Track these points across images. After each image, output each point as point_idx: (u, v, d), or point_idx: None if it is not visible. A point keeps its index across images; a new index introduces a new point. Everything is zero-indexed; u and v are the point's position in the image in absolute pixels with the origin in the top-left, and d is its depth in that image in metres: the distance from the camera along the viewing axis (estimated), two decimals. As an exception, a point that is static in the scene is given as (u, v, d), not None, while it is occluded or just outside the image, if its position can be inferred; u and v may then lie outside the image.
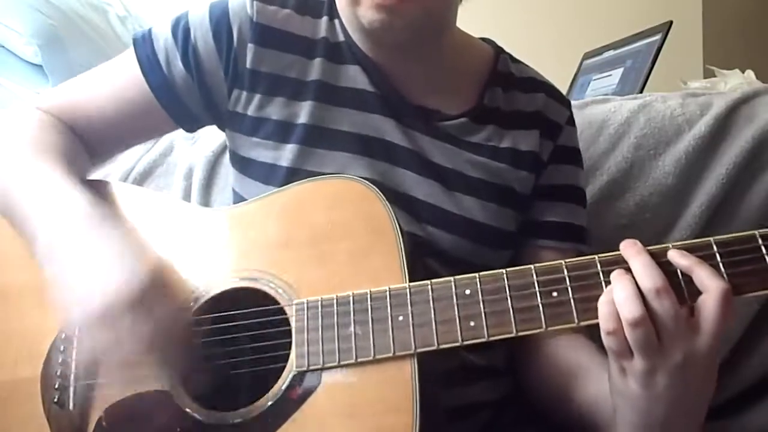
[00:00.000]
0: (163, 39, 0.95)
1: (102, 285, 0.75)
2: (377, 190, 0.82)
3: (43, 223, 0.81)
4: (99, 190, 0.94)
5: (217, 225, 0.90)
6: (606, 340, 0.72)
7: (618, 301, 0.70)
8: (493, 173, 0.97)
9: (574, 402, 0.88)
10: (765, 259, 0.72)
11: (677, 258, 0.73)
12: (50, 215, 0.82)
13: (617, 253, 0.74)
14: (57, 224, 0.81)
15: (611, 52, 1.96)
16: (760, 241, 0.72)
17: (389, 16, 0.87)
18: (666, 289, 0.70)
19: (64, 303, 0.78)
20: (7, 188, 0.87)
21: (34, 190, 0.85)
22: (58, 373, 0.84)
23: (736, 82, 1.79)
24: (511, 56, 1.05)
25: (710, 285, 0.70)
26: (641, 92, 1.61)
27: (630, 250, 0.73)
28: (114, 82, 0.97)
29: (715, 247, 0.73)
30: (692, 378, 0.71)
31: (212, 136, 1.33)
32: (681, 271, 0.72)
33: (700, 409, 0.76)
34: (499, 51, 1.05)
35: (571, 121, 1.06)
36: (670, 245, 0.74)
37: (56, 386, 0.83)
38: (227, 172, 1.28)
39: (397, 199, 0.84)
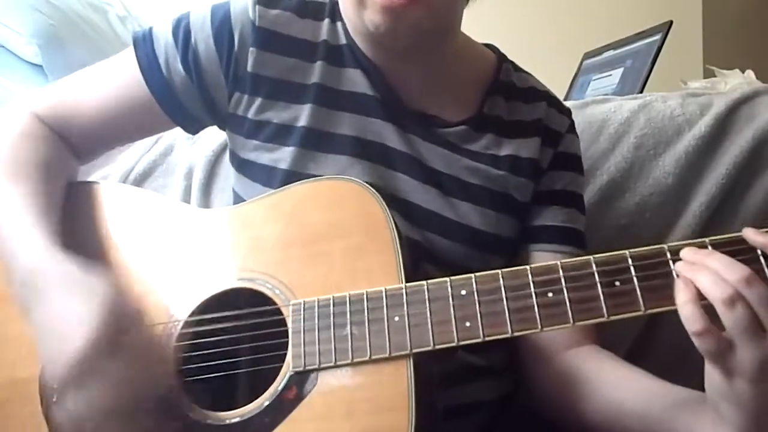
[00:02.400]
0: (164, 40, 0.95)
1: (69, 344, 0.74)
2: (374, 190, 0.82)
3: (11, 272, 0.82)
4: (93, 193, 0.94)
5: (214, 226, 0.90)
6: (699, 343, 0.67)
7: (704, 287, 0.68)
8: (492, 180, 0.96)
9: (588, 408, 0.87)
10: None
11: (753, 235, 0.71)
12: (15, 265, 0.82)
13: (613, 253, 0.74)
14: (22, 277, 0.81)
15: (611, 52, 1.96)
16: None
17: (395, 19, 0.86)
18: (755, 276, 0.67)
19: (45, 358, 0.78)
20: None
21: (3, 225, 0.85)
22: None
23: (736, 82, 1.78)
24: (513, 64, 1.05)
25: None
26: (641, 92, 1.61)
27: (699, 254, 0.70)
28: (113, 80, 0.97)
29: (709, 248, 0.71)
30: None
31: (212, 136, 1.33)
32: (763, 255, 0.70)
33: None
34: (501, 59, 1.04)
35: (572, 129, 1.05)
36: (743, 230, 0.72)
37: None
38: (227, 172, 1.28)
39: (395, 203, 0.84)
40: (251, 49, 0.93)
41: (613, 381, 0.87)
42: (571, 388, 0.89)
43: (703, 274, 0.68)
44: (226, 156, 1.28)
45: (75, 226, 0.91)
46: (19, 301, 0.81)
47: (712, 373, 0.70)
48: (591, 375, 0.89)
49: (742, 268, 0.67)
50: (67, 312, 0.76)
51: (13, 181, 0.89)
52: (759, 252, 0.70)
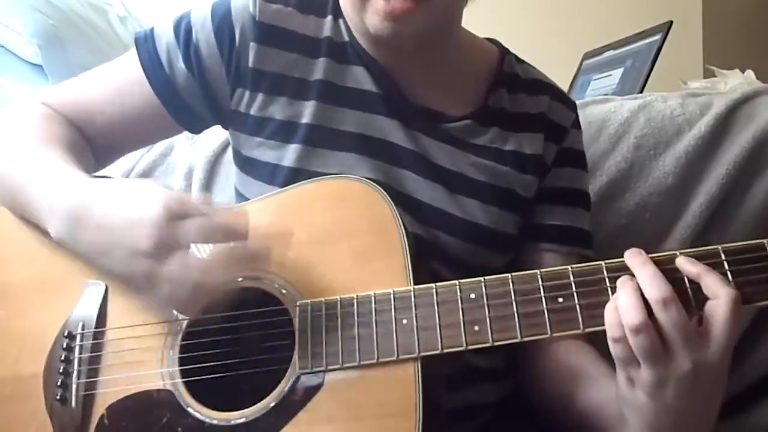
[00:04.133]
0: (165, 39, 0.95)
1: (137, 217, 0.75)
2: (382, 190, 0.82)
3: (58, 202, 0.81)
4: None
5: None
6: (613, 348, 0.71)
7: (620, 307, 0.70)
8: (497, 176, 0.96)
9: (575, 407, 0.88)
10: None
11: (685, 265, 0.72)
12: (63, 194, 0.82)
13: (623, 259, 0.73)
14: (71, 198, 0.81)
15: (611, 52, 1.96)
16: None
17: (396, 24, 0.87)
18: (673, 299, 0.69)
19: (116, 252, 0.78)
20: (14, 177, 0.88)
21: (44, 175, 0.85)
22: (61, 370, 0.84)
23: (736, 82, 1.78)
24: (516, 57, 1.05)
25: (720, 291, 0.69)
26: (641, 92, 1.61)
27: (635, 259, 0.72)
28: (116, 82, 0.97)
29: (723, 255, 0.72)
30: (702, 388, 0.71)
31: (212, 136, 1.33)
32: (688, 279, 0.71)
33: (710, 417, 0.75)
34: (504, 52, 1.04)
35: (576, 124, 1.05)
36: (678, 252, 0.73)
37: (58, 383, 0.83)
38: (227, 172, 1.28)
39: (400, 200, 0.85)
40: (252, 44, 0.93)
41: (598, 382, 0.87)
42: (564, 386, 0.90)
43: (623, 293, 0.71)
44: (226, 156, 1.28)
45: None
46: (70, 237, 0.81)
47: (619, 380, 0.74)
48: (585, 370, 0.90)
49: (664, 289, 0.69)
50: (127, 203, 0.77)
51: (43, 146, 0.89)
52: (686, 280, 0.72)
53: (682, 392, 0.70)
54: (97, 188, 0.81)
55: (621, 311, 0.70)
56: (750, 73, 1.84)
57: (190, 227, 0.75)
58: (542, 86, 1.04)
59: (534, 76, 1.05)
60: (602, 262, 0.74)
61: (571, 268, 0.75)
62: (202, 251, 0.77)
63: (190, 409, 0.80)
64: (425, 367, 0.75)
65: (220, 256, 0.77)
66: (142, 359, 0.82)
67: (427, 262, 0.86)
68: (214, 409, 0.80)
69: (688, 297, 0.71)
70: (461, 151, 0.96)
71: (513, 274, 0.76)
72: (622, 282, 0.72)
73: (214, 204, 0.80)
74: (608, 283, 0.73)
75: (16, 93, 1.92)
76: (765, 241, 0.72)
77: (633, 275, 0.72)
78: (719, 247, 0.73)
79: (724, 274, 0.71)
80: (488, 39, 1.07)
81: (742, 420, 1.22)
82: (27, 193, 0.86)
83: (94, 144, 0.97)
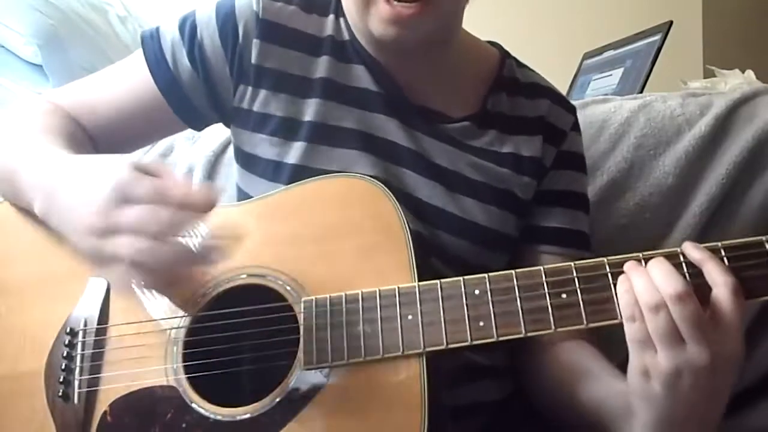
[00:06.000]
0: (171, 36, 0.96)
1: (87, 198, 0.73)
2: (386, 188, 0.83)
3: (42, 180, 0.81)
4: None
5: (224, 222, 0.89)
6: (628, 330, 0.71)
7: (637, 288, 0.70)
8: (495, 177, 0.97)
9: (575, 403, 0.88)
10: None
11: (690, 250, 0.73)
12: (43, 173, 0.81)
13: (626, 255, 0.74)
14: (48, 176, 0.80)
15: (611, 52, 1.96)
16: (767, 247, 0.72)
17: (401, 29, 0.87)
18: (689, 294, 0.68)
19: (71, 230, 0.76)
20: (9, 164, 0.88)
21: (33, 158, 0.85)
22: (63, 367, 0.84)
23: (736, 82, 1.79)
24: (516, 60, 1.05)
25: (718, 279, 0.70)
26: (641, 92, 1.62)
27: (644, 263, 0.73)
28: (123, 80, 0.98)
29: (723, 252, 0.73)
30: (717, 380, 0.70)
31: (212, 136, 1.33)
32: (688, 273, 0.72)
33: (719, 412, 0.74)
34: (504, 55, 1.05)
35: (576, 127, 1.06)
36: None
37: (61, 380, 0.83)
38: (227, 172, 1.28)
39: (400, 197, 0.85)
40: (255, 41, 0.94)
41: (600, 378, 0.87)
42: (566, 383, 0.90)
43: (641, 278, 0.71)
44: (226, 156, 1.29)
45: None
46: (46, 215, 0.79)
47: (632, 371, 0.73)
48: (583, 370, 0.90)
49: (679, 284, 0.69)
50: (85, 182, 0.75)
51: (40, 133, 0.89)
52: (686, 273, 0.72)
53: (698, 384, 0.69)
54: (69, 166, 0.80)
55: (638, 291, 0.70)
56: (750, 73, 1.85)
57: (131, 213, 0.71)
58: (541, 90, 1.04)
59: (533, 80, 1.05)
60: (604, 259, 0.75)
61: (575, 264, 0.75)
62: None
63: (194, 405, 0.80)
64: (430, 363, 0.75)
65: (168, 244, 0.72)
66: (146, 355, 0.83)
67: (428, 259, 0.86)
68: (219, 405, 0.80)
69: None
70: (460, 151, 0.97)
71: (517, 270, 0.76)
72: (632, 267, 0.72)
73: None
74: (611, 279, 0.74)
75: (16, 93, 1.92)
76: (764, 238, 0.73)
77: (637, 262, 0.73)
78: (719, 243, 0.73)
79: None
80: (489, 42, 1.07)
81: (741, 420, 1.22)
82: (19, 177, 0.85)
83: (96, 140, 0.98)
